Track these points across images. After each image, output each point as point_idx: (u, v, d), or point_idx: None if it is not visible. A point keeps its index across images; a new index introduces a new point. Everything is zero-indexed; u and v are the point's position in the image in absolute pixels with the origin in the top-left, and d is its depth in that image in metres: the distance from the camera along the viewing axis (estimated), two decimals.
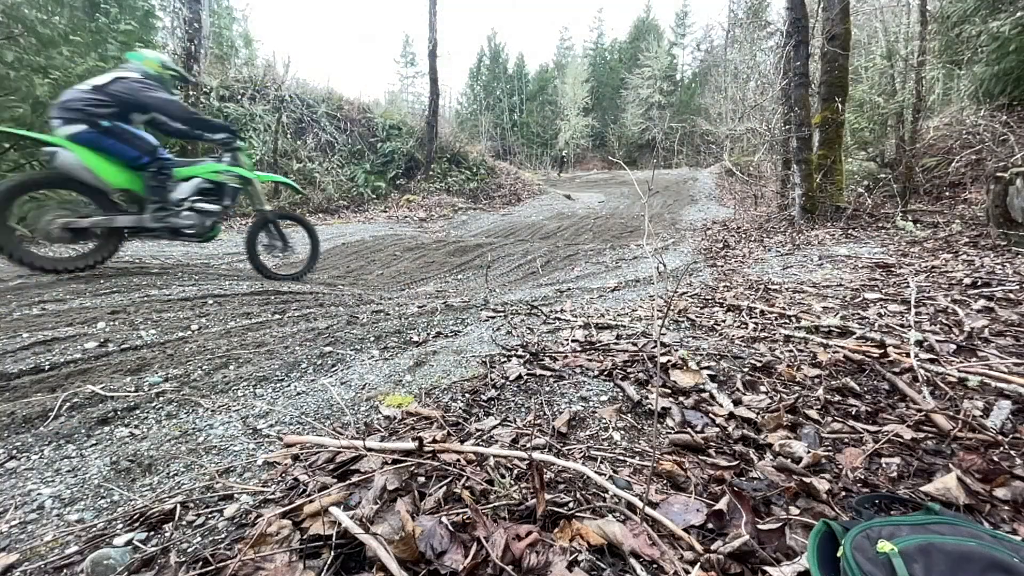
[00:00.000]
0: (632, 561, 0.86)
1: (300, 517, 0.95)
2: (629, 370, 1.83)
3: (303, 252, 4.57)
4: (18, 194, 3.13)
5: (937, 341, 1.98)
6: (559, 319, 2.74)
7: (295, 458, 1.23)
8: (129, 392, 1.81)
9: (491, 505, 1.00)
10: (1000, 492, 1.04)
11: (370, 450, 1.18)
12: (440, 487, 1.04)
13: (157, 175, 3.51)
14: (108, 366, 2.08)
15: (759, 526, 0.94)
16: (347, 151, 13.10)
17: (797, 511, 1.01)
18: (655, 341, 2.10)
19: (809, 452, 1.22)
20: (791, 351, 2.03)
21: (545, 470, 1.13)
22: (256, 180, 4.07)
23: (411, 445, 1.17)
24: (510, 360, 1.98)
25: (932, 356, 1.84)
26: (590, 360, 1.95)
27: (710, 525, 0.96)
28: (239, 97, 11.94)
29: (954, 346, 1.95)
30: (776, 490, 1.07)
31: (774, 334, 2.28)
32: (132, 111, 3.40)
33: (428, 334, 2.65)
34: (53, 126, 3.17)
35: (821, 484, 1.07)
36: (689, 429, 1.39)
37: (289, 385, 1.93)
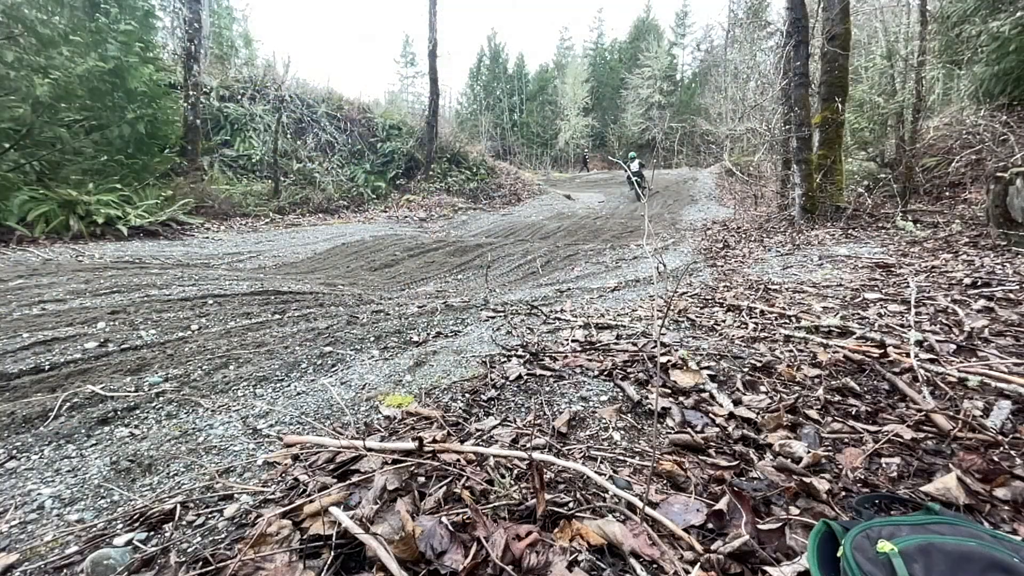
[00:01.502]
0: (632, 561, 0.86)
1: (300, 517, 0.95)
2: (629, 370, 1.83)
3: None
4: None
5: (937, 341, 1.98)
6: (559, 319, 2.74)
7: (295, 458, 1.23)
8: (129, 392, 1.81)
9: (491, 505, 1.00)
10: (1000, 492, 1.04)
11: (370, 450, 1.18)
12: (440, 487, 1.04)
13: (641, 174, 14.89)
14: (108, 366, 2.08)
15: (759, 526, 0.94)
16: (347, 151, 13.10)
17: (797, 511, 1.01)
18: (655, 341, 2.10)
19: (809, 452, 1.22)
20: (791, 351, 2.03)
21: (545, 470, 1.13)
22: (638, 178, 14.23)
23: (411, 445, 1.17)
24: (510, 360, 1.98)
25: (932, 356, 1.84)
26: (590, 360, 1.95)
27: (710, 525, 0.96)
28: (239, 97, 11.94)
29: (954, 346, 1.95)
30: (776, 490, 1.07)
31: (774, 334, 2.28)
32: (643, 168, 16.47)
33: (428, 334, 2.65)
34: (632, 167, 15.08)
35: (821, 484, 1.07)
36: (689, 429, 1.39)
37: (289, 385, 1.93)
